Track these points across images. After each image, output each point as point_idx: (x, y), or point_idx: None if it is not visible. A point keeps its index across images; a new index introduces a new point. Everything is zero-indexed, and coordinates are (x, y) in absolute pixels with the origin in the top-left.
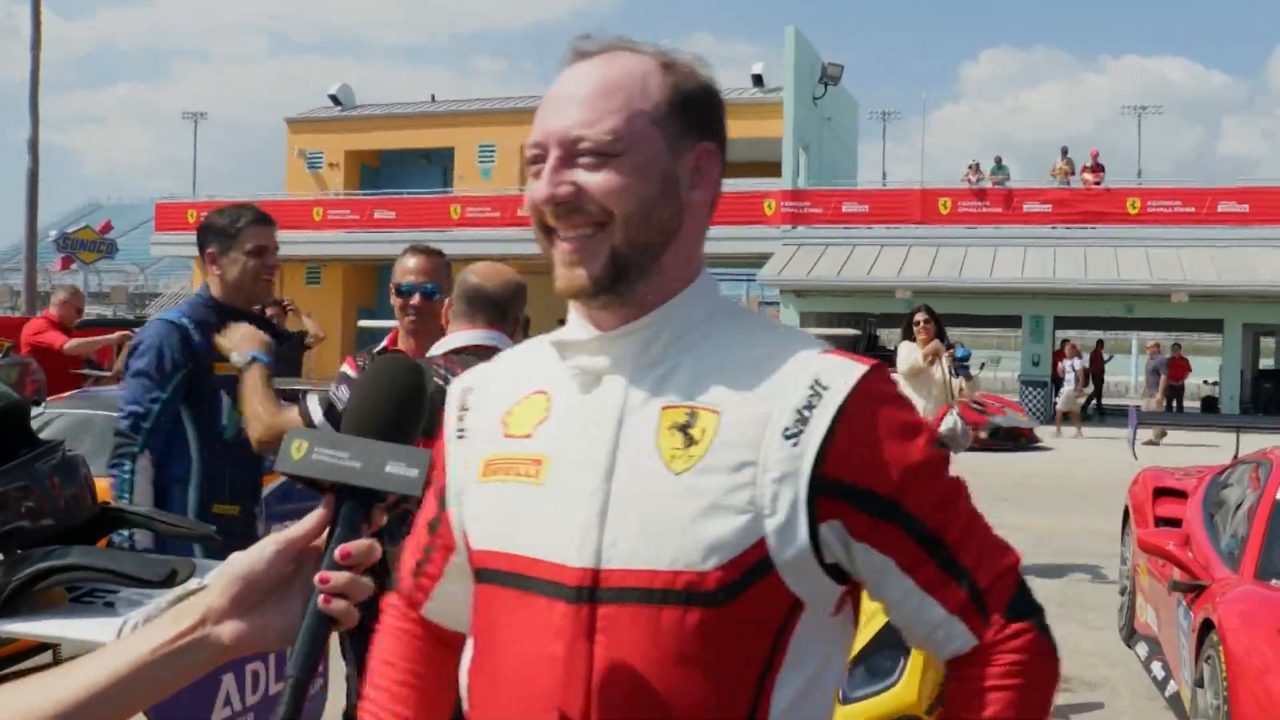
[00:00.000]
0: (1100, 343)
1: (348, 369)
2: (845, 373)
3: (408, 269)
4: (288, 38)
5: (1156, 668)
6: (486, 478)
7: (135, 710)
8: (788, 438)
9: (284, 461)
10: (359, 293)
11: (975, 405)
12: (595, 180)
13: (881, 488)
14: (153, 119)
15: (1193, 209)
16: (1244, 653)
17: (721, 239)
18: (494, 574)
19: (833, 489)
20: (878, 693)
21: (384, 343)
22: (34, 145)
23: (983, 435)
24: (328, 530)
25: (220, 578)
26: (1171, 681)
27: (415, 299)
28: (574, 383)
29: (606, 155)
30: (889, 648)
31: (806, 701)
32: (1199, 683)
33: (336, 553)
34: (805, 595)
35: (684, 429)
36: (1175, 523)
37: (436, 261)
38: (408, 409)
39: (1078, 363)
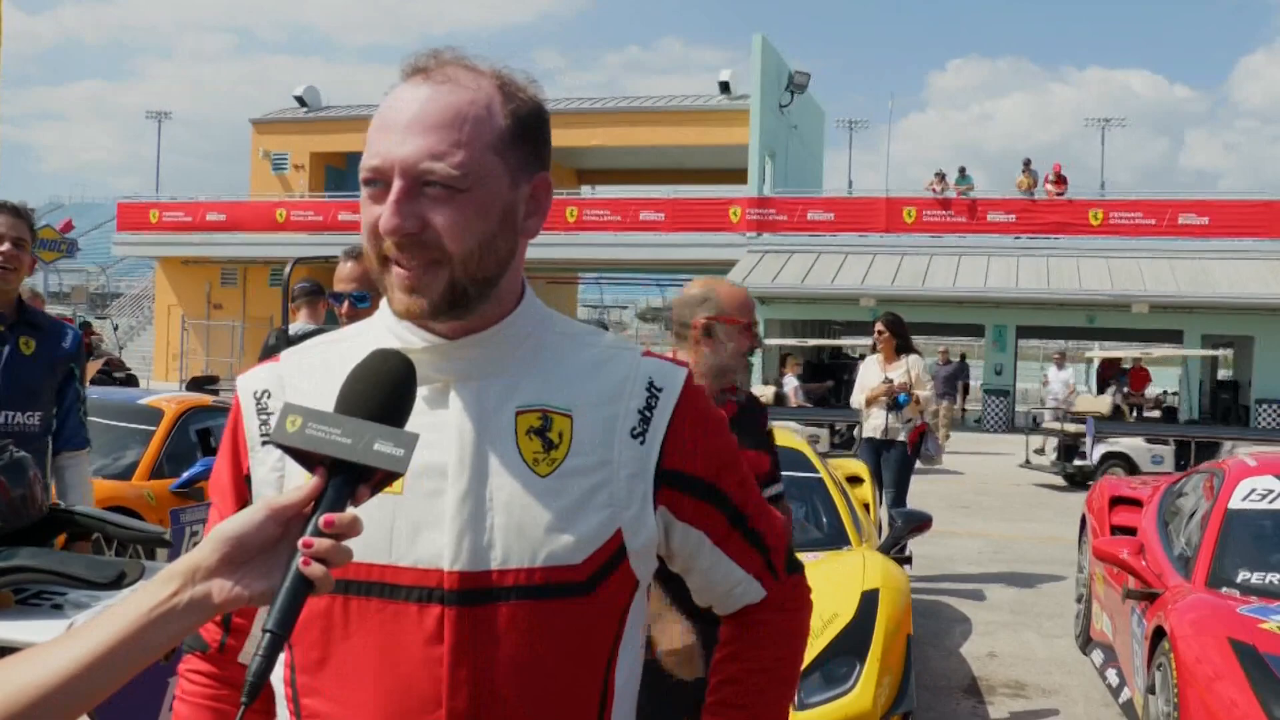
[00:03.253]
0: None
1: None
2: (672, 375)
3: (340, 277)
4: (256, 36)
5: (1111, 675)
6: None
7: (136, 670)
8: (634, 436)
9: (279, 434)
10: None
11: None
12: (440, 217)
13: (705, 474)
14: (117, 116)
15: (1154, 221)
16: (1194, 660)
17: (687, 245)
18: (347, 585)
19: (669, 479)
20: (833, 699)
21: None
22: None
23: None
24: (315, 501)
25: (211, 538)
26: (1126, 689)
27: (344, 308)
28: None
29: (453, 190)
30: (844, 654)
31: (634, 671)
32: (1151, 689)
33: (320, 521)
34: (641, 576)
35: (541, 433)
36: (1131, 531)
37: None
38: (398, 396)
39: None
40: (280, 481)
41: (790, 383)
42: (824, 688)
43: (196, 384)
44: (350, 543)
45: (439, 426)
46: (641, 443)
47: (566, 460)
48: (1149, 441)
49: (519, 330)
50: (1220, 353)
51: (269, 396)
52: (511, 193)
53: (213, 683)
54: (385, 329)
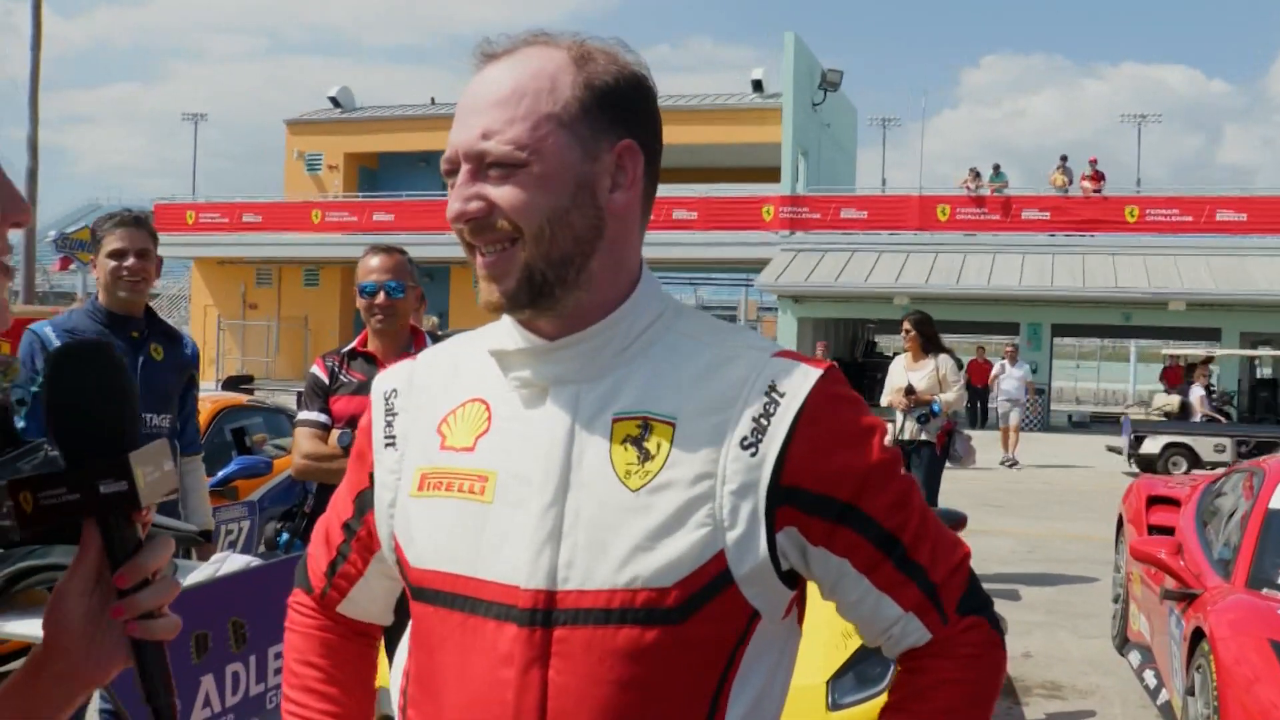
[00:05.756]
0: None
1: (317, 370)
2: (801, 377)
3: (370, 269)
4: (285, 37)
5: (1149, 676)
6: (424, 492)
7: None
8: (745, 447)
9: (22, 520)
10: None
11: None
12: (502, 194)
13: (839, 493)
14: (149, 118)
15: (1191, 218)
16: (1234, 661)
17: (720, 244)
18: (436, 594)
19: (790, 497)
20: (867, 699)
21: (354, 343)
22: (33, 144)
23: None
24: (110, 551)
25: (42, 639)
26: (1164, 690)
27: (380, 298)
28: (516, 394)
29: (512, 167)
30: (878, 655)
31: (759, 710)
32: (1190, 691)
33: (115, 581)
34: (762, 606)
35: (638, 442)
36: (1169, 531)
37: (399, 259)
38: (95, 409)
39: None
40: (397, 484)
41: (1196, 391)
42: (857, 688)
43: (232, 383)
44: (440, 551)
45: (532, 433)
46: (753, 454)
47: (662, 473)
48: None
49: (625, 328)
50: None
51: (397, 396)
52: (586, 165)
53: (319, 616)
54: (501, 328)
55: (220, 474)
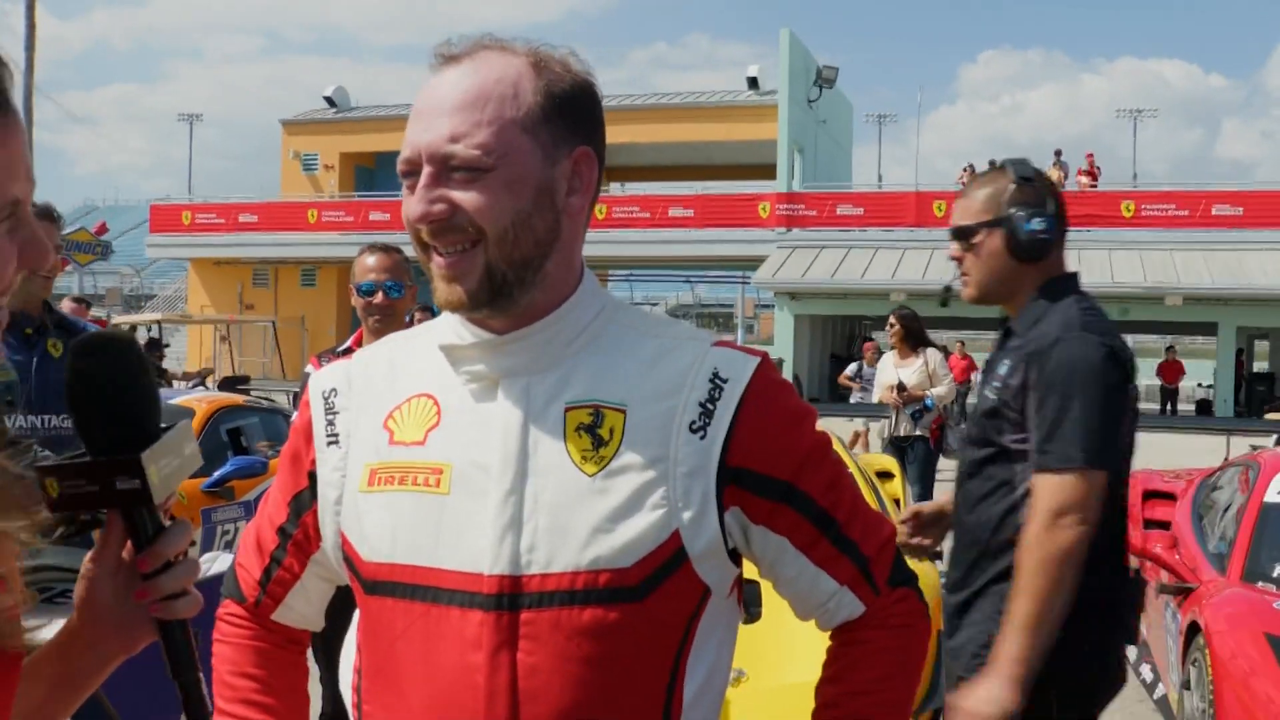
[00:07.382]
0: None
1: (311, 369)
2: (741, 365)
3: (368, 268)
4: (283, 37)
5: (1145, 670)
6: (375, 487)
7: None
8: (694, 431)
9: (49, 504)
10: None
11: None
12: (468, 198)
13: (779, 473)
14: (147, 119)
15: (1187, 212)
16: (1230, 655)
17: (716, 241)
18: (395, 587)
19: (736, 477)
20: None
21: (348, 342)
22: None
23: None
24: (134, 535)
25: (75, 610)
26: (1160, 684)
27: (379, 298)
28: (465, 388)
29: (478, 170)
30: None
31: (710, 685)
32: (1186, 685)
33: (137, 566)
34: (712, 582)
35: (591, 429)
36: (1165, 525)
37: (396, 259)
38: (121, 397)
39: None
40: (342, 481)
41: None
42: None
43: (228, 384)
44: (396, 544)
45: (486, 424)
46: (702, 438)
47: (616, 458)
48: None
49: (572, 322)
50: None
51: (336, 395)
52: (546, 169)
53: (252, 625)
54: (446, 325)
55: (216, 474)
